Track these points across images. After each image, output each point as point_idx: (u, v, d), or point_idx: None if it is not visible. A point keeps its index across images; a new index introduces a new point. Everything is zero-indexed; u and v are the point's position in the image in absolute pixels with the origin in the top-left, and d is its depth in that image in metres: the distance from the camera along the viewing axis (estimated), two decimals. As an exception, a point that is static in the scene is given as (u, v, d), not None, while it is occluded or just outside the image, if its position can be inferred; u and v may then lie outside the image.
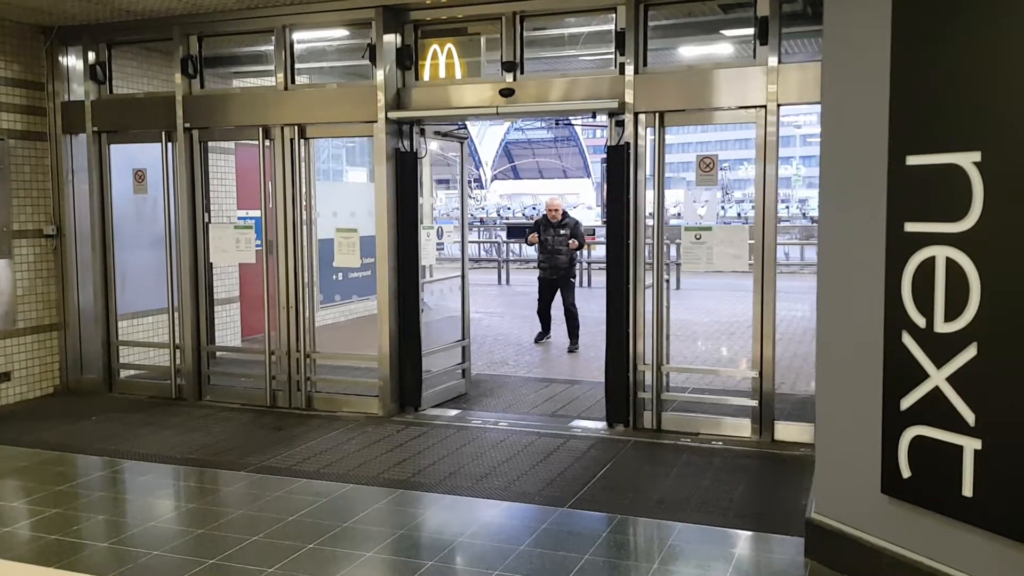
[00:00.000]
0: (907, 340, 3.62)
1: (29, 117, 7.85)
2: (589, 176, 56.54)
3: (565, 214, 10.58)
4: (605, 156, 6.78)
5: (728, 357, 9.87)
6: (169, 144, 7.67)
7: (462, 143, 8.12)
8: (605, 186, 7.54)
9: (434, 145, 7.86)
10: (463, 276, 7.95)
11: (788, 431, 6.22)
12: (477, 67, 7.36)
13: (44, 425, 6.96)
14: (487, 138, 52.27)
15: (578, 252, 10.61)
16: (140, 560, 4.30)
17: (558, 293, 10.53)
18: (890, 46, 3.66)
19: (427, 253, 7.41)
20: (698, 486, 5.35)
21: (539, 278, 10.70)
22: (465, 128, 8.08)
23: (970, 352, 3.37)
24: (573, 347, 10.32)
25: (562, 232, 10.36)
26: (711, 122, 6.55)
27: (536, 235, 10.59)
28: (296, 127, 7.25)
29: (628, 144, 6.39)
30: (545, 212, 10.66)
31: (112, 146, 7.94)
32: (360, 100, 7.03)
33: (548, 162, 61.03)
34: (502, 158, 58.81)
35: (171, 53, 7.59)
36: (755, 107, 6.10)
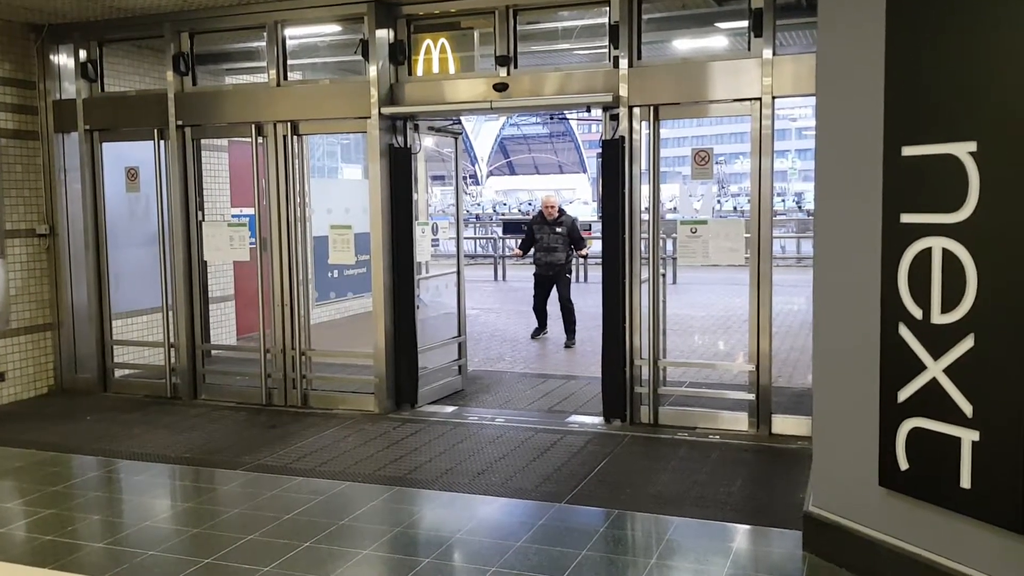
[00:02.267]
0: (904, 332, 3.60)
1: (20, 116, 7.80)
2: (585, 171, 56.56)
3: (562, 211, 10.54)
4: (600, 151, 6.76)
5: (725, 351, 9.86)
6: (161, 142, 7.63)
7: (456, 138, 8.09)
8: (600, 181, 7.52)
9: (429, 141, 7.83)
10: (459, 272, 7.93)
11: (785, 424, 6.21)
12: (471, 62, 7.33)
13: (39, 425, 6.93)
14: (482, 134, 52.21)
15: (573, 249, 10.57)
16: (136, 560, 4.28)
17: (554, 288, 10.52)
18: (885, 36, 3.64)
19: (422, 249, 7.39)
20: (695, 480, 5.33)
21: (535, 275, 10.67)
22: (459, 123, 8.04)
23: (967, 343, 3.36)
24: (570, 342, 10.30)
25: (558, 230, 10.32)
26: (706, 115, 6.54)
27: (520, 252, 10.94)
28: (289, 124, 7.22)
29: (623, 138, 6.37)
30: (541, 209, 10.62)
31: (104, 144, 7.90)
32: (353, 96, 7.00)
33: (544, 157, 61.02)
34: (498, 154, 58.77)
35: (163, 50, 7.54)
36: (750, 100, 6.08)
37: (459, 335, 7.89)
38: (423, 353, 7.25)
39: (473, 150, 49.42)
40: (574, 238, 10.41)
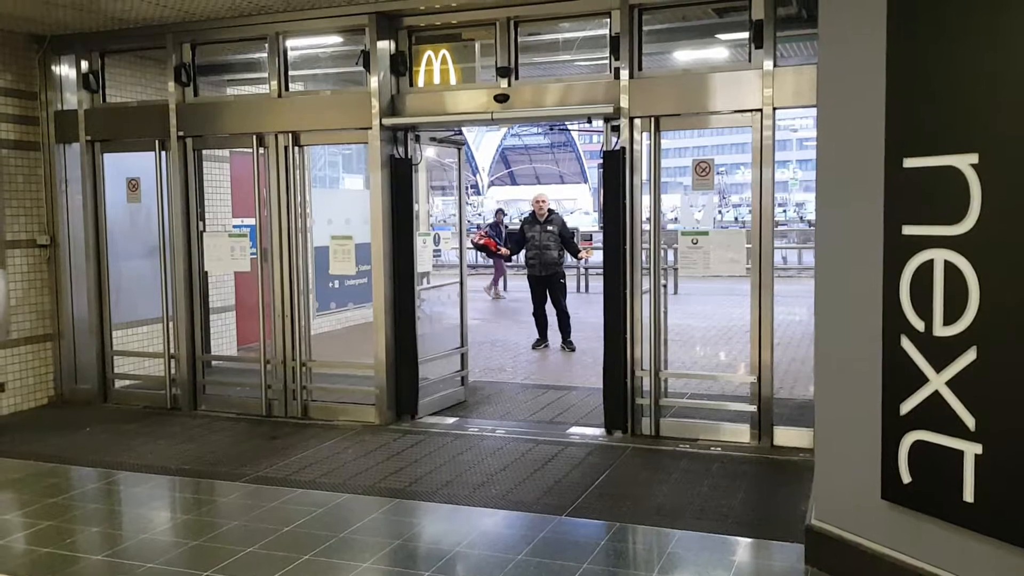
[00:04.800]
0: (906, 344, 3.58)
1: (22, 127, 7.81)
2: (586, 181, 56.58)
3: (552, 211, 10.61)
4: (601, 161, 6.76)
5: (726, 362, 9.84)
6: (163, 153, 7.63)
7: (459, 149, 8.07)
8: (601, 191, 7.54)
9: (431, 152, 7.84)
10: (462, 282, 7.90)
11: (787, 436, 6.18)
12: (472, 73, 7.33)
13: (38, 436, 6.92)
14: (484, 144, 52.28)
15: (565, 249, 10.61)
16: (134, 573, 4.26)
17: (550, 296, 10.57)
18: (886, 48, 3.64)
19: (423, 260, 7.38)
20: (697, 493, 5.31)
21: (528, 276, 10.70)
22: (461, 134, 8.04)
23: (969, 356, 3.34)
24: (566, 345, 10.31)
25: (549, 228, 10.38)
26: (706, 126, 6.55)
27: (507, 251, 11.03)
28: (290, 134, 7.22)
29: (624, 149, 6.36)
30: (532, 209, 10.68)
31: (105, 155, 7.91)
32: (354, 107, 7.00)
33: (545, 168, 61.09)
34: (499, 164, 58.83)
35: (164, 61, 7.55)
36: (751, 111, 6.08)
37: (461, 346, 7.85)
38: (424, 364, 7.23)
39: (474, 160, 49.45)
40: (565, 237, 10.49)
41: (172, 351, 7.76)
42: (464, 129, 8.06)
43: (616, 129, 6.42)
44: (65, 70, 7.94)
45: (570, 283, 12.45)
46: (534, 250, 10.44)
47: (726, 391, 7.33)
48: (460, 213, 8.23)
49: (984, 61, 3.26)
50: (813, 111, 4.58)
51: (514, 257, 12.31)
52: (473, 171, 49.92)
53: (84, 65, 7.83)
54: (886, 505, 3.76)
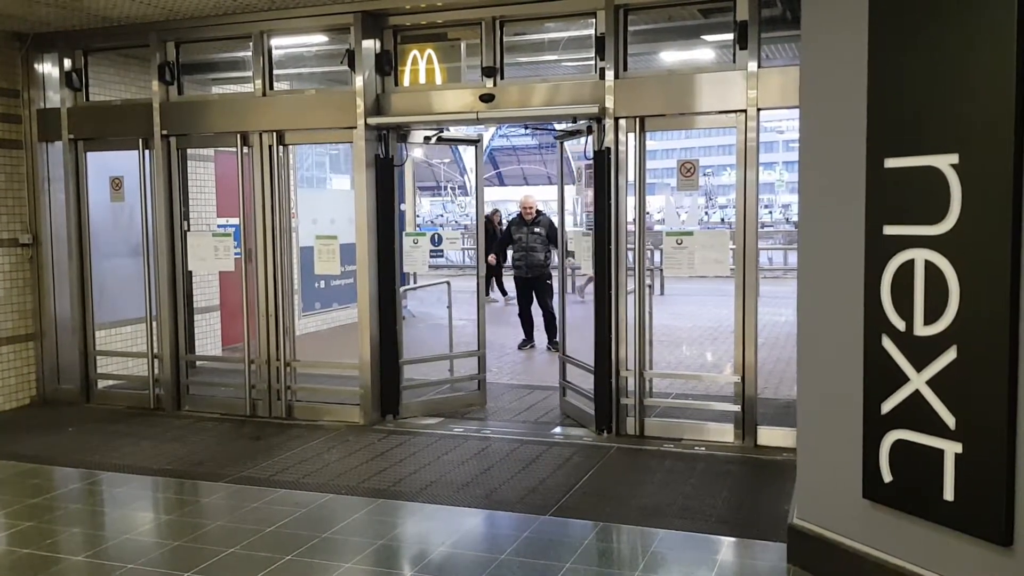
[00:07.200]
0: (887, 343, 3.60)
1: (4, 125, 7.75)
2: (574, 183, 56.63)
3: (539, 212, 10.61)
4: (590, 162, 6.76)
5: (711, 362, 9.86)
6: (147, 151, 7.59)
7: (476, 146, 8.00)
8: (564, 190, 7.60)
9: (418, 152, 7.81)
10: (477, 283, 7.80)
11: (771, 436, 6.20)
12: (457, 72, 7.33)
13: (20, 436, 6.86)
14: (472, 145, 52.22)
15: (552, 250, 10.60)
16: (115, 574, 4.23)
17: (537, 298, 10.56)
18: (867, 49, 3.66)
19: (413, 260, 7.35)
20: (681, 492, 5.32)
21: (515, 277, 10.69)
22: (447, 130, 8.00)
23: (950, 355, 3.36)
24: (552, 345, 10.32)
25: (536, 230, 10.38)
26: (691, 127, 6.58)
27: (494, 256, 10.83)
28: (275, 133, 7.20)
29: (608, 149, 6.37)
30: (520, 211, 10.67)
31: (89, 154, 7.86)
32: (339, 106, 6.99)
33: (533, 168, 61.11)
34: (487, 165, 58.85)
35: (148, 59, 7.51)
36: (735, 112, 6.10)
37: (478, 348, 7.72)
38: (428, 364, 7.22)
39: (462, 161, 49.39)
40: (553, 238, 10.46)
41: (156, 351, 7.71)
42: (452, 129, 8.03)
43: (602, 129, 6.42)
44: (48, 68, 7.88)
45: (555, 284, 12.42)
46: (521, 252, 10.44)
47: (711, 391, 7.34)
48: (478, 210, 8.17)
49: (963, 62, 3.29)
50: (798, 112, 4.59)
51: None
52: (461, 172, 49.87)
53: (67, 63, 7.78)
54: (867, 504, 3.78)
